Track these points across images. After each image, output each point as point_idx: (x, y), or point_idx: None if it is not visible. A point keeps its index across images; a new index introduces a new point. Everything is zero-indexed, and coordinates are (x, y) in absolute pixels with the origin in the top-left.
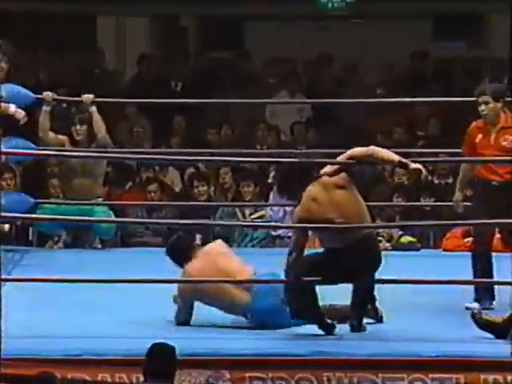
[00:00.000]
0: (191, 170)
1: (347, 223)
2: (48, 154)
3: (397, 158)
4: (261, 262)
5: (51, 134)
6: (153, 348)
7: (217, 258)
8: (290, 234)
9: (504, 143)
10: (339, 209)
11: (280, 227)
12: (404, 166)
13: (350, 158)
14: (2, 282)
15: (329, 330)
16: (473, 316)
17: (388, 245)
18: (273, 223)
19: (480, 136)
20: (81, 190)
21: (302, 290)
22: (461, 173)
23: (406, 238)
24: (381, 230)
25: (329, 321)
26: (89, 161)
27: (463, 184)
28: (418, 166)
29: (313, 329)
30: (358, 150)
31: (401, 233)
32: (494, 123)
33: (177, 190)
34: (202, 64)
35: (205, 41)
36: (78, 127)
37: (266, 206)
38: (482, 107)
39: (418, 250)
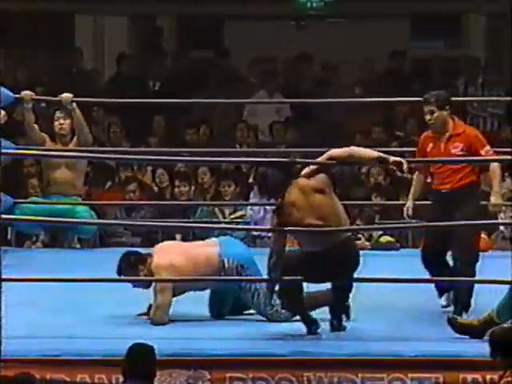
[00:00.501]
0: (160, 170)
1: (327, 227)
2: (45, 155)
3: (376, 154)
4: None
5: (37, 129)
6: (132, 348)
7: (176, 246)
8: (270, 234)
9: (454, 151)
10: (318, 213)
11: (261, 230)
12: (384, 160)
13: (330, 159)
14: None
15: (313, 327)
16: (449, 320)
17: (367, 244)
18: (253, 223)
19: (431, 145)
20: (63, 183)
21: (287, 292)
22: (414, 182)
23: (385, 238)
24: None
25: (313, 318)
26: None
27: (416, 194)
28: (399, 158)
29: (293, 328)
30: (337, 151)
31: (380, 232)
32: (443, 131)
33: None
34: (181, 64)
35: (184, 40)
36: (62, 121)
37: (246, 205)
38: (428, 116)
39: (397, 249)
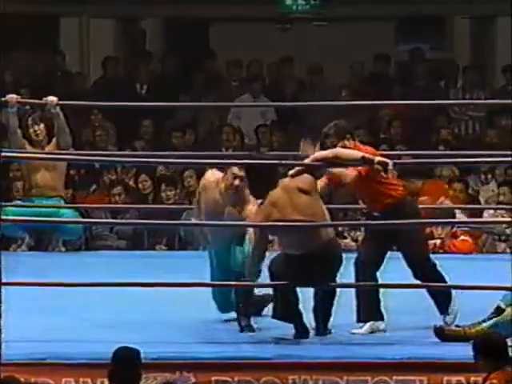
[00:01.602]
0: (143, 175)
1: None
2: (42, 158)
3: (361, 154)
4: None
5: (20, 134)
6: (117, 352)
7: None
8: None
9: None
10: (301, 211)
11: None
12: (369, 161)
13: (316, 160)
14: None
15: (303, 335)
16: (435, 331)
17: (353, 244)
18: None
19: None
20: (43, 185)
21: (282, 299)
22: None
23: None
24: (346, 231)
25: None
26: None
27: None
28: (383, 158)
29: (278, 332)
30: (323, 153)
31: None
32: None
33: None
34: (167, 66)
35: (169, 43)
36: (36, 127)
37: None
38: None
39: None
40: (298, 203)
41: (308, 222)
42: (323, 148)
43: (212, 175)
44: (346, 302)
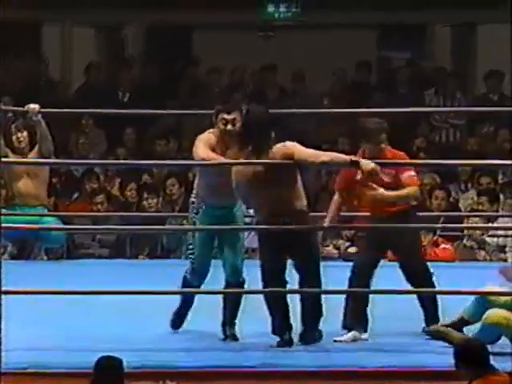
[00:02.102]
0: (132, 184)
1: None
2: (38, 162)
3: (348, 157)
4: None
5: (2, 143)
6: (100, 361)
7: None
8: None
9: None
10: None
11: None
12: (356, 163)
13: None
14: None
15: (287, 345)
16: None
17: (335, 251)
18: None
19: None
20: (26, 194)
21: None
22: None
23: (353, 249)
24: (328, 240)
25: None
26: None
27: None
28: (369, 162)
29: (262, 340)
30: (312, 155)
31: (347, 244)
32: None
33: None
34: (149, 73)
35: (152, 50)
36: (20, 135)
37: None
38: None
39: None
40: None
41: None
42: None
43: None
44: (332, 309)
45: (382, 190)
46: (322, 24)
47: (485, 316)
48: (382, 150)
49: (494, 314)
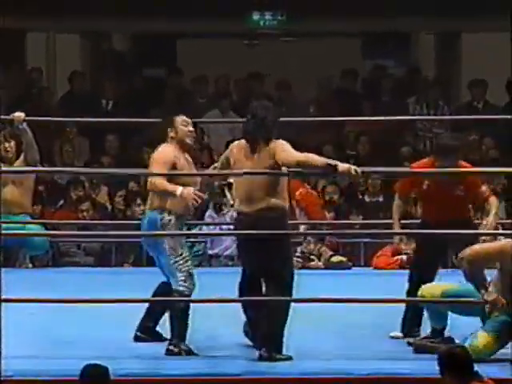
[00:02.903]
0: (122, 191)
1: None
2: (36, 171)
3: (325, 160)
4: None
5: None
6: (86, 368)
7: None
8: (226, 253)
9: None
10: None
11: (227, 234)
12: (333, 167)
13: (283, 165)
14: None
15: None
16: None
17: (320, 263)
18: (209, 242)
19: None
20: (10, 201)
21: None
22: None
23: (337, 258)
24: (312, 249)
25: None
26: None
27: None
28: (346, 165)
29: (248, 349)
30: (292, 158)
31: (331, 253)
32: None
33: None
34: (134, 82)
35: (136, 58)
36: (7, 144)
37: (202, 224)
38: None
39: (349, 268)
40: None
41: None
42: None
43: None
44: (313, 318)
45: (491, 220)
46: (307, 32)
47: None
48: (459, 166)
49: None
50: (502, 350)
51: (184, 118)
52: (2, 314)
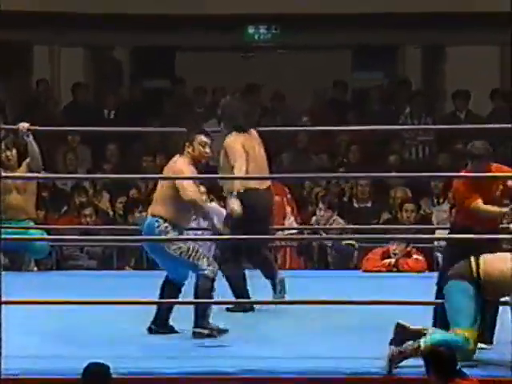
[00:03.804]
0: (123, 197)
1: None
2: (36, 177)
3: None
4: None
5: None
6: (88, 367)
7: None
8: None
9: None
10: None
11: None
12: None
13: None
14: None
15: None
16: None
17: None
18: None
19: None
20: (15, 207)
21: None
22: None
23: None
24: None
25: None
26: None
27: None
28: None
29: (244, 349)
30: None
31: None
32: None
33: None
34: (135, 92)
35: (137, 70)
36: (9, 153)
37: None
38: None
39: (352, 253)
40: None
41: None
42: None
43: None
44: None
45: None
46: (301, 45)
47: None
48: (489, 169)
49: None
50: (502, 350)
51: (204, 138)
52: (3, 315)
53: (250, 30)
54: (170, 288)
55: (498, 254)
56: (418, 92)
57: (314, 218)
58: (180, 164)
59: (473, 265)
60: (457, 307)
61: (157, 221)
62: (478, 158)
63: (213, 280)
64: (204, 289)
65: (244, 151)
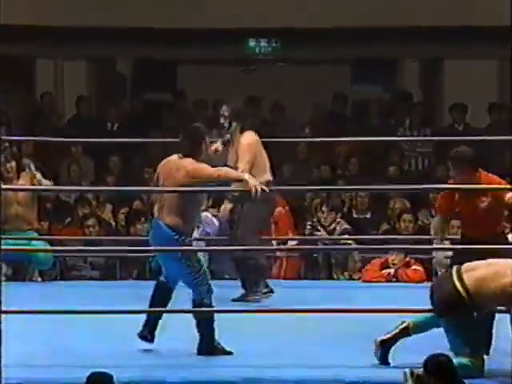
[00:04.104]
0: (125, 208)
1: None
2: (37, 189)
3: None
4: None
5: None
6: (91, 377)
7: None
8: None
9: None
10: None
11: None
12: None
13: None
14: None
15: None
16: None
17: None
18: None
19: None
20: (16, 217)
21: None
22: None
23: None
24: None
25: None
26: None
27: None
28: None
29: (246, 355)
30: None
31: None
32: None
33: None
34: (137, 105)
35: (139, 83)
36: (9, 165)
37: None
38: None
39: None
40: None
41: None
42: None
43: None
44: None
45: None
46: (301, 59)
47: None
48: (477, 178)
49: None
50: (502, 361)
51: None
52: (4, 324)
53: (251, 44)
54: (163, 294)
55: (477, 263)
56: (417, 104)
57: (314, 219)
58: (196, 162)
59: (458, 286)
60: (460, 341)
61: (176, 234)
62: (463, 162)
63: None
64: (206, 317)
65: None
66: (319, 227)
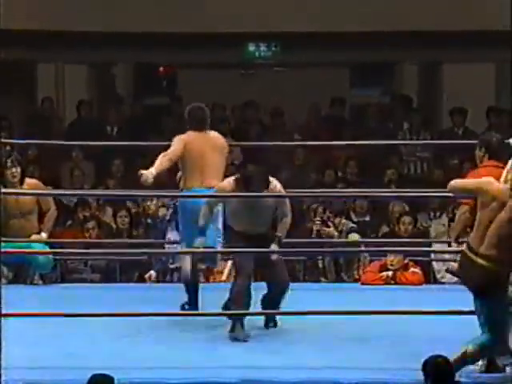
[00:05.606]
0: (123, 211)
1: None
2: (38, 194)
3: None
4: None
5: None
6: (92, 379)
7: None
8: None
9: None
10: None
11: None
12: None
13: None
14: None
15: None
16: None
17: (336, 233)
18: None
19: None
20: (17, 230)
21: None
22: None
23: (353, 236)
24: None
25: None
26: (23, 202)
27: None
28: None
29: (246, 355)
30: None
31: (351, 225)
32: None
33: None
34: (137, 109)
35: (139, 87)
36: (14, 170)
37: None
38: None
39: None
40: None
41: None
42: None
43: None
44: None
45: None
46: (300, 63)
47: None
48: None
49: None
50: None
51: None
52: (4, 327)
53: (251, 48)
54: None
55: None
56: (416, 108)
57: (317, 218)
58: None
59: (484, 264)
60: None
61: (219, 236)
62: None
63: None
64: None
65: None
66: (329, 222)
